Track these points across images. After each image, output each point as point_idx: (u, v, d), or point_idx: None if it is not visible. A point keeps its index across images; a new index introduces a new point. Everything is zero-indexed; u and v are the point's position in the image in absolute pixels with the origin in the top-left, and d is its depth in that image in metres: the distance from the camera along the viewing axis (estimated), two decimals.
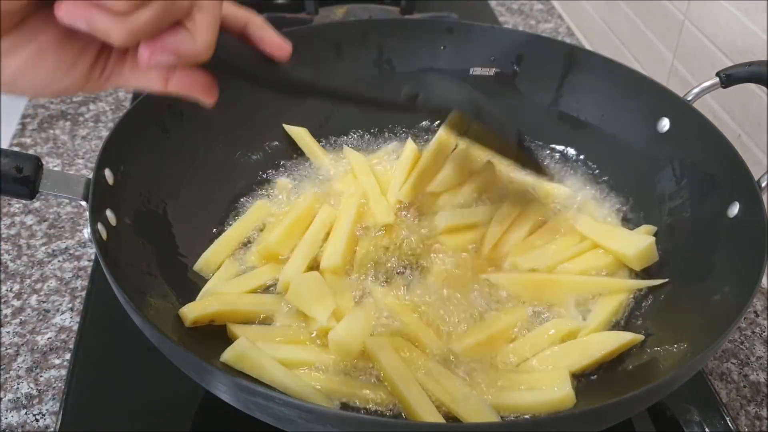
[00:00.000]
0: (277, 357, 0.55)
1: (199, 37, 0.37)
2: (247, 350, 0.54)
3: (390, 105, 0.60)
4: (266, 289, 0.63)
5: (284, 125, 0.78)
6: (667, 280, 0.62)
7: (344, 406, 0.54)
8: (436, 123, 0.82)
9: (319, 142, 0.79)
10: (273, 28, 0.44)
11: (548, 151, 0.79)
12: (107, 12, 0.34)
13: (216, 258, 0.65)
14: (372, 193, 0.70)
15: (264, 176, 0.75)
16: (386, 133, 0.82)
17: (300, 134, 0.78)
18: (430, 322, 0.60)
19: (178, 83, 0.40)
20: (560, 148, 0.79)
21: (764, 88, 0.70)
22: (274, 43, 0.44)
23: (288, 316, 0.60)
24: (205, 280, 0.63)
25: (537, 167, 0.66)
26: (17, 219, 0.79)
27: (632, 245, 0.64)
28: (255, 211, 0.70)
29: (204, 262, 0.64)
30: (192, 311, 0.57)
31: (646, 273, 0.65)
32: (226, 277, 0.63)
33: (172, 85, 0.40)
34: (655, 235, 0.67)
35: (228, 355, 0.54)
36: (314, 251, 0.65)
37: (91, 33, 0.35)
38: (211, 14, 0.38)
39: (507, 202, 0.69)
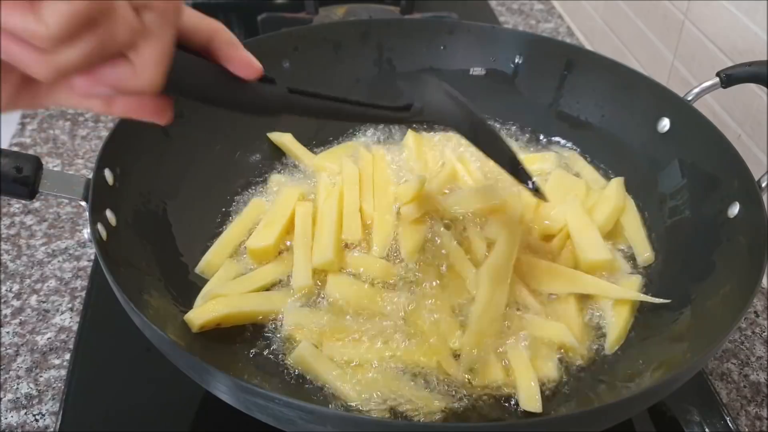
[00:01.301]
0: (340, 358, 0.56)
1: (143, 72, 0.32)
2: (308, 354, 0.56)
3: (379, 118, 0.57)
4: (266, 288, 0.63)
5: (268, 134, 0.77)
6: (669, 301, 0.60)
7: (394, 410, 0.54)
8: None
9: (327, 140, 0.79)
10: (241, 45, 0.38)
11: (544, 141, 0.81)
12: (27, 45, 0.28)
13: (217, 259, 0.65)
14: (349, 205, 0.68)
15: (263, 176, 0.75)
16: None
17: (284, 141, 0.77)
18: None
19: (123, 107, 0.35)
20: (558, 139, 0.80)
21: (764, 88, 0.70)
22: (243, 61, 0.38)
23: (296, 313, 0.60)
24: (204, 280, 0.63)
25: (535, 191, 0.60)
26: (17, 219, 0.79)
27: (591, 252, 0.64)
28: (251, 210, 0.70)
29: (206, 264, 0.64)
30: (199, 317, 0.57)
31: (644, 271, 0.66)
32: (226, 278, 0.63)
33: (117, 108, 0.35)
34: (654, 234, 0.67)
35: (292, 358, 0.57)
36: (310, 248, 0.65)
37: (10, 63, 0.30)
38: (158, 47, 0.32)
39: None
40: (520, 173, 0.56)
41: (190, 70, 0.37)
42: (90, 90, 0.32)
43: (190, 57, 0.37)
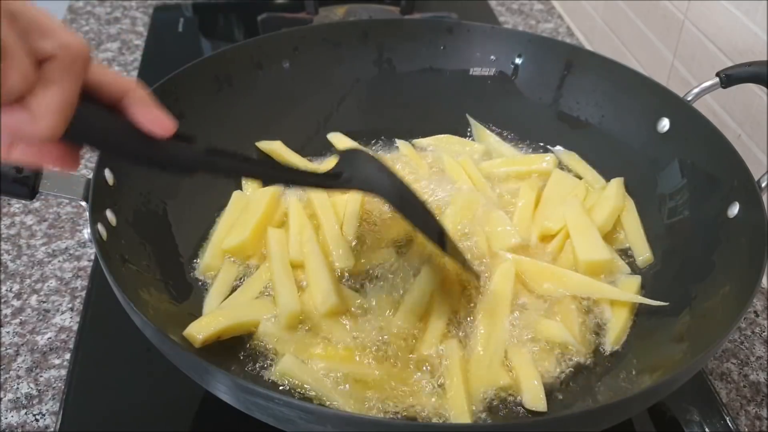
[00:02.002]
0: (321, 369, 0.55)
1: (40, 120, 0.31)
2: (292, 367, 0.55)
3: (305, 183, 0.56)
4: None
5: (257, 144, 0.76)
6: (666, 304, 0.60)
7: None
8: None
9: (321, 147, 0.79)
10: (155, 103, 0.38)
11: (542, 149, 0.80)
12: None
13: (215, 261, 0.64)
14: (329, 231, 0.66)
15: None
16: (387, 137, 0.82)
17: (274, 148, 0.76)
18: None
19: (22, 154, 0.35)
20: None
21: (764, 88, 0.70)
22: (154, 119, 0.37)
23: (272, 328, 0.59)
24: (204, 281, 0.64)
25: (462, 263, 0.60)
26: (17, 219, 0.79)
27: (591, 252, 0.64)
28: (234, 204, 0.69)
29: (204, 266, 0.64)
30: (200, 331, 0.56)
31: (644, 272, 0.66)
32: (228, 281, 0.63)
33: (16, 155, 0.34)
34: (654, 234, 0.67)
35: (275, 374, 0.55)
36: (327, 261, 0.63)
37: None
38: (58, 96, 0.32)
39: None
40: (447, 248, 0.56)
41: (98, 123, 0.36)
42: None
43: (98, 110, 0.37)
